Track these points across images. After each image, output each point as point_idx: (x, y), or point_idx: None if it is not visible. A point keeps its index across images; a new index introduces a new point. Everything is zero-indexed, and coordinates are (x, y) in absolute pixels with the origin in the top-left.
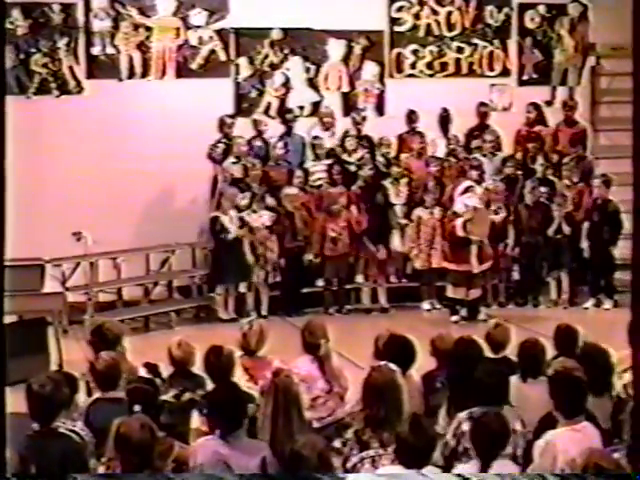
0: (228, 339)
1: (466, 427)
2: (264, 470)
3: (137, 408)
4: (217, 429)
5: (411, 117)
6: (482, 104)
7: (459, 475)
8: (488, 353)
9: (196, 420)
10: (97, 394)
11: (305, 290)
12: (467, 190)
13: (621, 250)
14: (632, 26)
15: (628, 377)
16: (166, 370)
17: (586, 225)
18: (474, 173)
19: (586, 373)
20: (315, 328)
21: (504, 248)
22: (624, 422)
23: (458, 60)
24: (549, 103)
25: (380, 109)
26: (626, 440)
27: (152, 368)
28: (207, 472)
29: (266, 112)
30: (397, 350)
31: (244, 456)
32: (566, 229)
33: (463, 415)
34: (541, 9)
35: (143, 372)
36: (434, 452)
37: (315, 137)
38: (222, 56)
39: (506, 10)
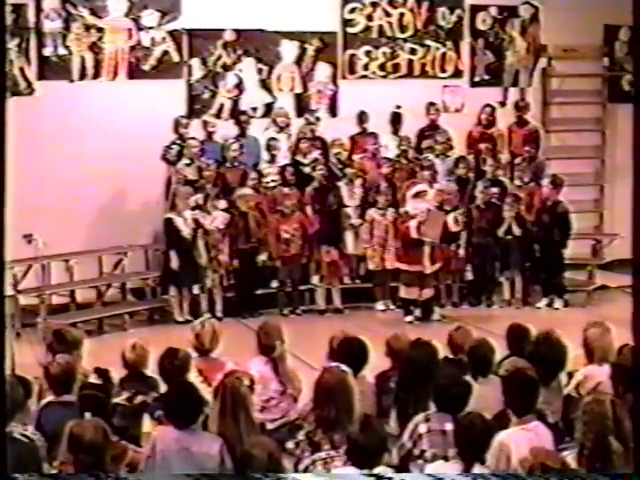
0: (183, 341)
1: (423, 429)
2: (223, 458)
3: (87, 415)
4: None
5: (362, 118)
6: (432, 104)
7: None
8: (443, 355)
9: (148, 423)
10: (49, 397)
11: (259, 291)
12: (418, 195)
13: (570, 250)
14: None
15: (579, 377)
16: (118, 373)
17: (536, 225)
18: (426, 174)
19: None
20: (271, 329)
21: (456, 248)
22: (575, 420)
23: (411, 61)
24: (502, 104)
25: (333, 110)
26: (578, 438)
27: (103, 373)
28: (164, 465)
29: (219, 113)
30: (350, 351)
31: (204, 443)
32: (516, 230)
33: (420, 417)
34: (493, 11)
35: (93, 377)
36: (385, 453)
37: (270, 138)
38: (175, 57)
39: (458, 12)
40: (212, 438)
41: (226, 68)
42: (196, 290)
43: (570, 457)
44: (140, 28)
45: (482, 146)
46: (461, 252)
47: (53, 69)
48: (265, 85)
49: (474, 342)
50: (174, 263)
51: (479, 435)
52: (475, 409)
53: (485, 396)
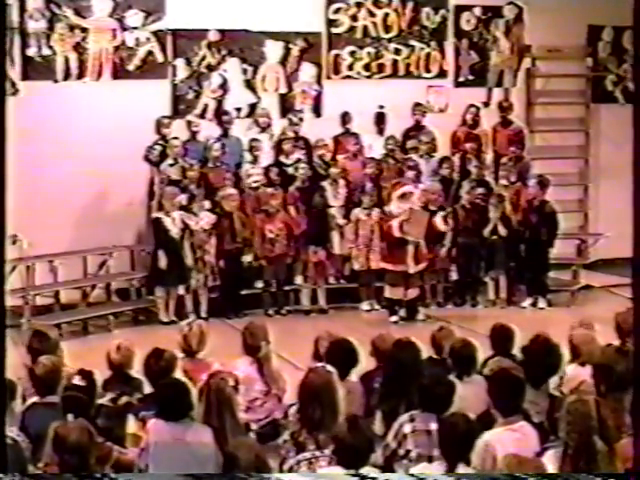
0: (168, 341)
1: (408, 429)
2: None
3: (70, 417)
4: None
5: (345, 118)
6: (417, 105)
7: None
8: (428, 355)
9: (132, 425)
10: (34, 399)
11: (244, 292)
12: (403, 196)
13: (555, 250)
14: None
15: (563, 376)
16: (103, 375)
17: (523, 225)
18: (411, 174)
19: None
20: (256, 330)
21: (441, 248)
22: (560, 420)
23: (395, 62)
24: (486, 104)
25: (317, 110)
26: (562, 438)
27: (86, 375)
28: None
29: (203, 114)
30: (339, 354)
31: (197, 433)
32: (502, 230)
33: (405, 417)
34: (477, 11)
35: (77, 379)
36: (372, 453)
37: (252, 139)
38: (159, 57)
39: (442, 12)
40: (204, 427)
41: (210, 68)
42: (181, 291)
43: (554, 457)
44: (124, 28)
45: (467, 146)
46: (445, 252)
47: (37, 69)
48: (250, 85)
49: (457, 342)
50: (162, 263)
51: (462, 435)
52: (460, 409)
53: (470, 396)
